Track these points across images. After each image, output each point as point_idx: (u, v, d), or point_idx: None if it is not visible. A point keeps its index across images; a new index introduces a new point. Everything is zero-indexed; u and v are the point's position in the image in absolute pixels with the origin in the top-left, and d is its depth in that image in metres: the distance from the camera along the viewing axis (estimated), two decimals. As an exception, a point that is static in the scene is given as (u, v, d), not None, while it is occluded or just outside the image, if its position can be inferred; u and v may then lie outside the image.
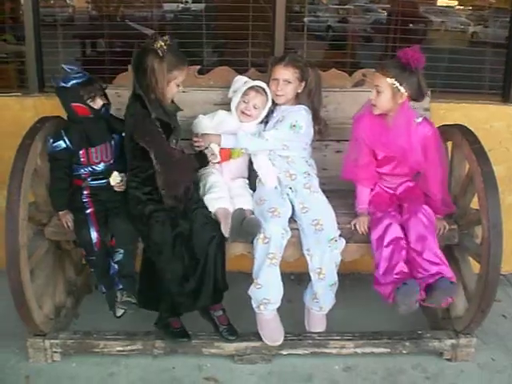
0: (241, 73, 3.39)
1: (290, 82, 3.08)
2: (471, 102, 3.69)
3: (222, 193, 2.96)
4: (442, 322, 3.21)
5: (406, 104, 2.82)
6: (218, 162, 3.02)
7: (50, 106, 3.51)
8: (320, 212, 2.89)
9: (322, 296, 2.93)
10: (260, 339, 2.95)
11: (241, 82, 3.18)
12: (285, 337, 2.96)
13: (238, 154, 3.06)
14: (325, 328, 3.04)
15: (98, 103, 2.91)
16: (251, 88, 3.10)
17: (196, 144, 3.05)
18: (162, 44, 2.69)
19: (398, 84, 2.77)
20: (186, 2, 5.26)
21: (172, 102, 2.90)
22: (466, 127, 3.02)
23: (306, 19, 4.06)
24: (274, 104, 3.15)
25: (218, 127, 3.10)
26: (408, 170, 3.00)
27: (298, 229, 2.89)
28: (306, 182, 3.01)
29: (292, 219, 2.92)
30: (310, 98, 3.15)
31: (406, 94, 2.79)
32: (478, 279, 2.82)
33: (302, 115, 3.07)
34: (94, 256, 2.86)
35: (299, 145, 3.09)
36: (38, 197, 2.97)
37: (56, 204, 2.96)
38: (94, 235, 2.83)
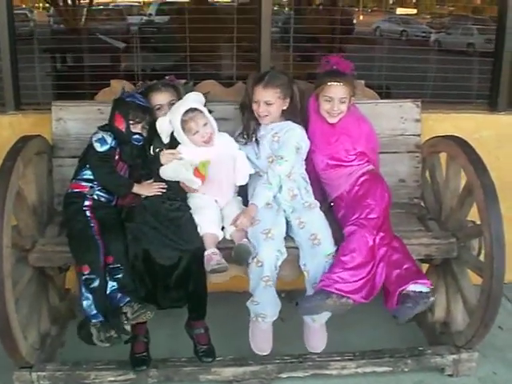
0: (227, 86, 3.30)
1: (271, 104, 2.96)
2: (459, 111, 3.68)
3: (213, 216, 2.84)
4: (440, 336, 3.15)
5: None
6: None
7: (28, 124, 3.41)
8: (317, 227, 2.80)
9: None
10: (258, 363, 2.86)
11: (166, 123, 2.90)
12: (284, 359, 2.90)
13: (205, 167, 2.86)
14: (325, 343, 2.91)
15: (136, 129, 2.92)
16: (183, 121, 2.86)
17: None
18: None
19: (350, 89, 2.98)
20: (157, 12, 5.18)
21: None
22: (461, 138, 2.99)
23: (292, 31, 4.00)
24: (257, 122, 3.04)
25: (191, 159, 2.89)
26: None
27: (295, 247, 2.80)
28: (306, 201, 2.92)
29: (289, 237, 2.82)
30: (300, 113, 3.06)
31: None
32: (481, 293, 2.76)
33: (299, 135, 2.99)
34: (99, 278, 2.62)
35: (299, 163, 3.02)
36: (20, 221, 2.79)
37: (122, 190, 2.89)
38: (101, 253, 2.64)
